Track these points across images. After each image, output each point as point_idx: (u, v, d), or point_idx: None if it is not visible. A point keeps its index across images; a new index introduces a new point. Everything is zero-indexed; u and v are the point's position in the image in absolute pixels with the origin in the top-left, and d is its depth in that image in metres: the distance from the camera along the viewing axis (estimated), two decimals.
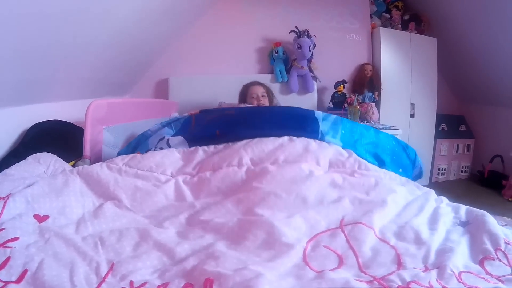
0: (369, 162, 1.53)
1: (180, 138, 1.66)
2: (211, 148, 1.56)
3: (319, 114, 1.75)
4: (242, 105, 2.37)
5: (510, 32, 2.83)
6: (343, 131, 1.66)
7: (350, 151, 1.55)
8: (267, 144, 1.51)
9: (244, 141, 1.54)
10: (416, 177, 1.83)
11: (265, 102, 2.53)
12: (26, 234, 0.95)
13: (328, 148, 1.54)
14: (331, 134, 1.63)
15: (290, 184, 1.27)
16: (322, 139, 1.59)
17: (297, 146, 1.51)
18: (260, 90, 2.56)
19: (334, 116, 1.77)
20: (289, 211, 1.14)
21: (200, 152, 1.53)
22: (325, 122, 1.69)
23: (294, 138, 1.57)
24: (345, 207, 1.17)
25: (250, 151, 1.47)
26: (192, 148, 1.57)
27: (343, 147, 1.58)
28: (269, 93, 2.66)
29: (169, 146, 1.62)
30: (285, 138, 1.56)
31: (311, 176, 1.32)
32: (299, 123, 1.66)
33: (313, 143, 1.54)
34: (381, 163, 1.59)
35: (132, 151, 1.63)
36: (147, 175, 1.35)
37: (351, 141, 1.64)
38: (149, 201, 1.24)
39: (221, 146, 1.56)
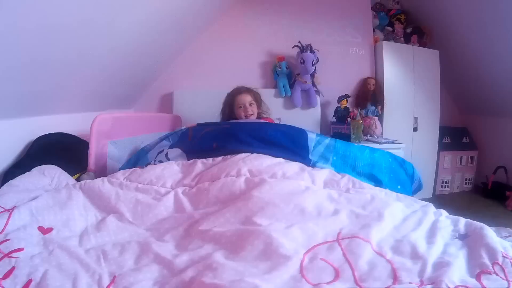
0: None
1: (178, 150, 1.68)
2: (210, 160, 1.59)
3: (312, 139, 1.75)
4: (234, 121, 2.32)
5: None
6: (334, 158, 1.68)
7: (343, 173, 1.57)
8: (266, 160, 1.54)
9: (243, 155, 1.58)
10: (416, 190, 1.84)
11: (253, 110, 2.40)
12: (31, 245, 0.97)
13: (322, 170, 1.57)
14: (321, 162, 1.65)
15: (288, 195, 1.28)
16: (313, 166, 1.62)
17: (293, 165, 1.55)
18: (247, 99, 2.40)
19: (328, 140, 1.78)
20: (287, 221, 1.15)
21: (199, 164, 1.55)
22: (316, 151, 1.70)
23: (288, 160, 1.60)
24: (342, 220, 1.17)
25: (249, 163, 1.50)
26: (191, 161, 1.59)
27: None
28: (257, 98, 2.53)
29: (168, 159, 1.65)
30: (281, 159, 1.59)
31: (308, 190, 1.34)
32: (291, 150, 1.67)
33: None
34: (378, 183, 1.60)
35: (133, 167, 1.65)
36: (148, 188, 1.38)
37: (343, 166, 1.65)
38: (149, 214, 1.26)
39: (219, 159, 1.59)
